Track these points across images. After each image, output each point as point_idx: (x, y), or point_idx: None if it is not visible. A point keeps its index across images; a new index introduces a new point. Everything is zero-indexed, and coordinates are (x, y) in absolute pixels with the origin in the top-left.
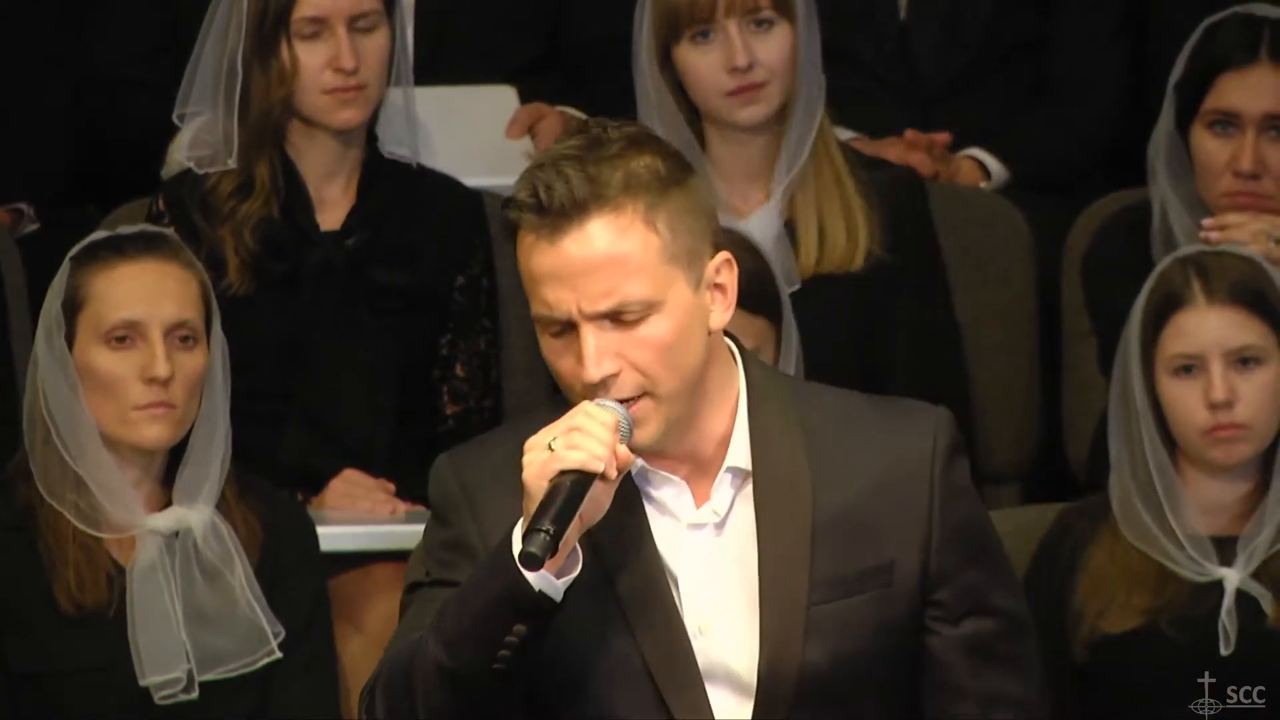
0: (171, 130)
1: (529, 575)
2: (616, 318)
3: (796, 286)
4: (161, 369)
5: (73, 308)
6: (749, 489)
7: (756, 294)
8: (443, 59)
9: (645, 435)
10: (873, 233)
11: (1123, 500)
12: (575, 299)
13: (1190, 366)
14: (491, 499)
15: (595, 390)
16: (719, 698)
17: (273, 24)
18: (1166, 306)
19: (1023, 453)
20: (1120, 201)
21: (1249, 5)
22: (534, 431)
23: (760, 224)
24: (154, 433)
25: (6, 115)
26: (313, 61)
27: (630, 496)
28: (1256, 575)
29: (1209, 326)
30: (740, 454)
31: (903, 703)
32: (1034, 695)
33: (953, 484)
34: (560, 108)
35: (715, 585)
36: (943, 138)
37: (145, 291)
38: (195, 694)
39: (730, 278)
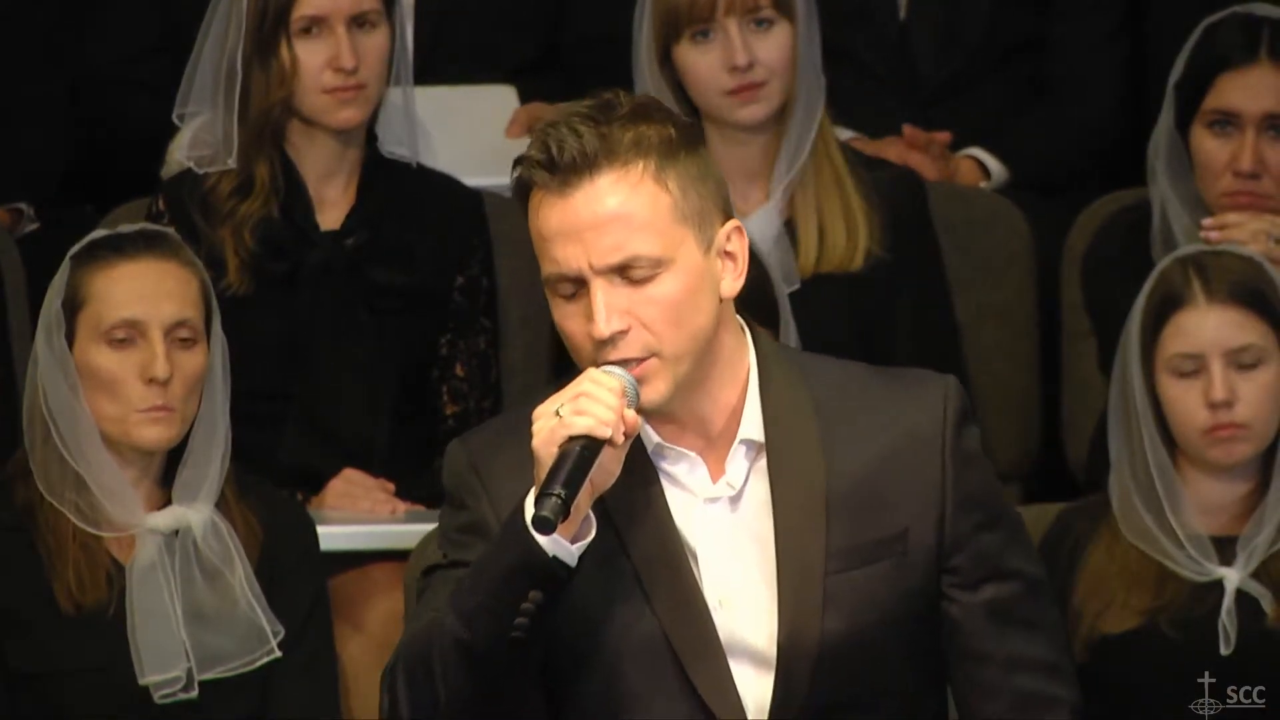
0: (171, 130)
1: (542, 540)
2: (626, 273)
3: (796, 286)
4: (161, 369)
5: (73, 307)
6: (763, 462)
7: (753, 301)
8: (442, 59)
9: (653, 395)
10: (872, 232)
11: (1122, 500)
12: (585, 254)
13: (1190, 366)
14: (505, 480)
15: (604, 348)
16: (740, 672)
17: (272, 23)
18: (1166, 306)
19: (1022, 453)
20: (1120, 201)
21: (1248, 5)
22: (529, 417)
23: (760, 224)
24: (154, 434)
25: (6, 115)
26: (312, 61)
27: (646, 473)
28: (1256, 575)
29: (1209, 326)
30: (753, 426)
31: (921, 671)
32: (1056, 655)
33: (964, 451)
34: (560, 107)
35: (733, 559)
36: (942, 137)
37: (145, 291)
38: (195, 693)
39: (741, 246)
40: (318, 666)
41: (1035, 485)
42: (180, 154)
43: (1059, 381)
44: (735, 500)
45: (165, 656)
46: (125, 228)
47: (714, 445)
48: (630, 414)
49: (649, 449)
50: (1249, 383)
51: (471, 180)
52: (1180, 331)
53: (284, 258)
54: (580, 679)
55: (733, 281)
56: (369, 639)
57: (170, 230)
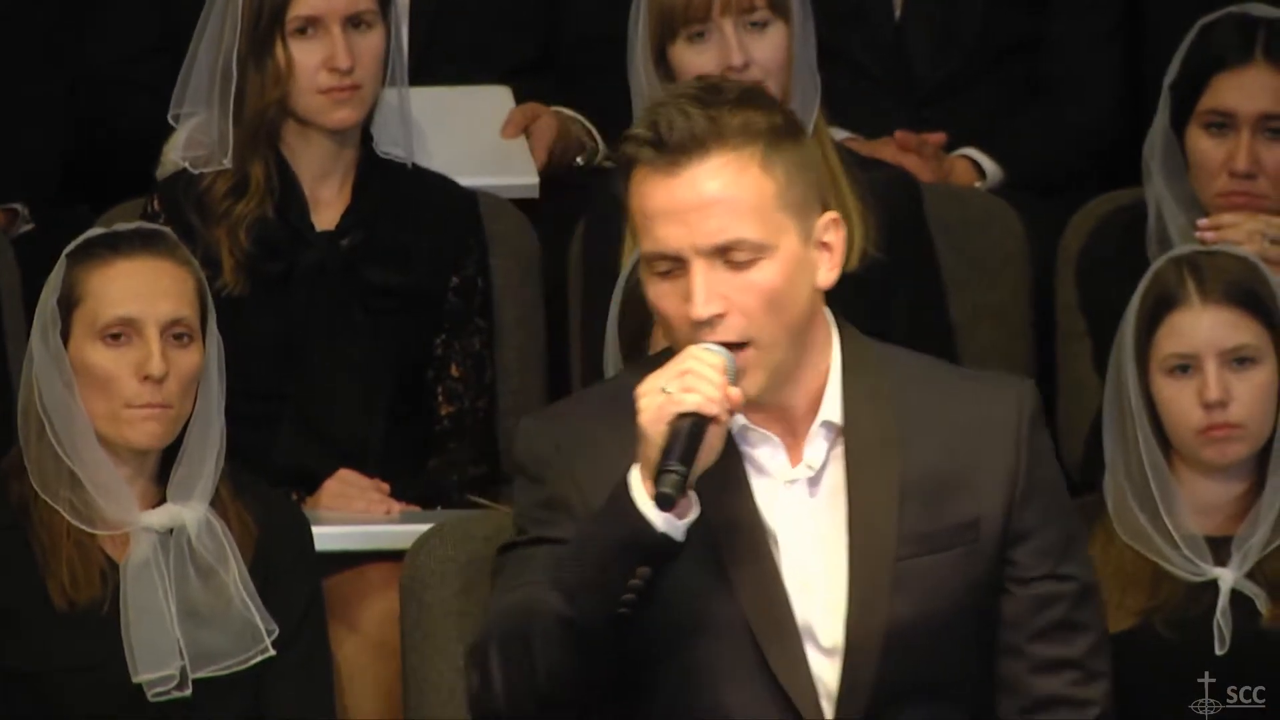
0: (167, 130)
1: (652, 516)
2: (727, 257)
3: None
4: (157, 367)
5: (68, 304)
6: (841, 445)
7: None
8: (438, 59)
9: (750, 386)
10: (868, 233)
11: (1117, 500)
12: (688, 235)
13: (1185, 366)
14: (585, 457)
15: (701, 329)
16: (814, 656)
17: (268, 24)
18: (1161, 306)
19: None
20: (1115, 201)
21: (1244, 5)
22: (617, 393)
23: None
24: (148, 432)
25: (2, 115)
26: (308, 61)
27: (729, 454)
28: (1251, 575)
29: (1203, 326)
30: (833, 409)
31: (980, 662)
32: (1094, 661)
33: (1037, 447)
34: (555, 108)
35: (811, 542)
36: (937, 138)
37: (141, 289)
38: (188, 691)
39: (838, 237)
40: (312, 666)
41: None
42: (175, 154)
43: (1054, 382)
44: (814, 483)
45: (159, 655)
46: (121, 226)
47: (794, 428)
48: (735, 391)
49: (732, 430)
50: (1243, 383)
51: (467, 181)
52: (1175, 331)
53: (279, 258)
54: (658, 656)
55: (828, 273)
56: (364, 639)
57: (166, 229)
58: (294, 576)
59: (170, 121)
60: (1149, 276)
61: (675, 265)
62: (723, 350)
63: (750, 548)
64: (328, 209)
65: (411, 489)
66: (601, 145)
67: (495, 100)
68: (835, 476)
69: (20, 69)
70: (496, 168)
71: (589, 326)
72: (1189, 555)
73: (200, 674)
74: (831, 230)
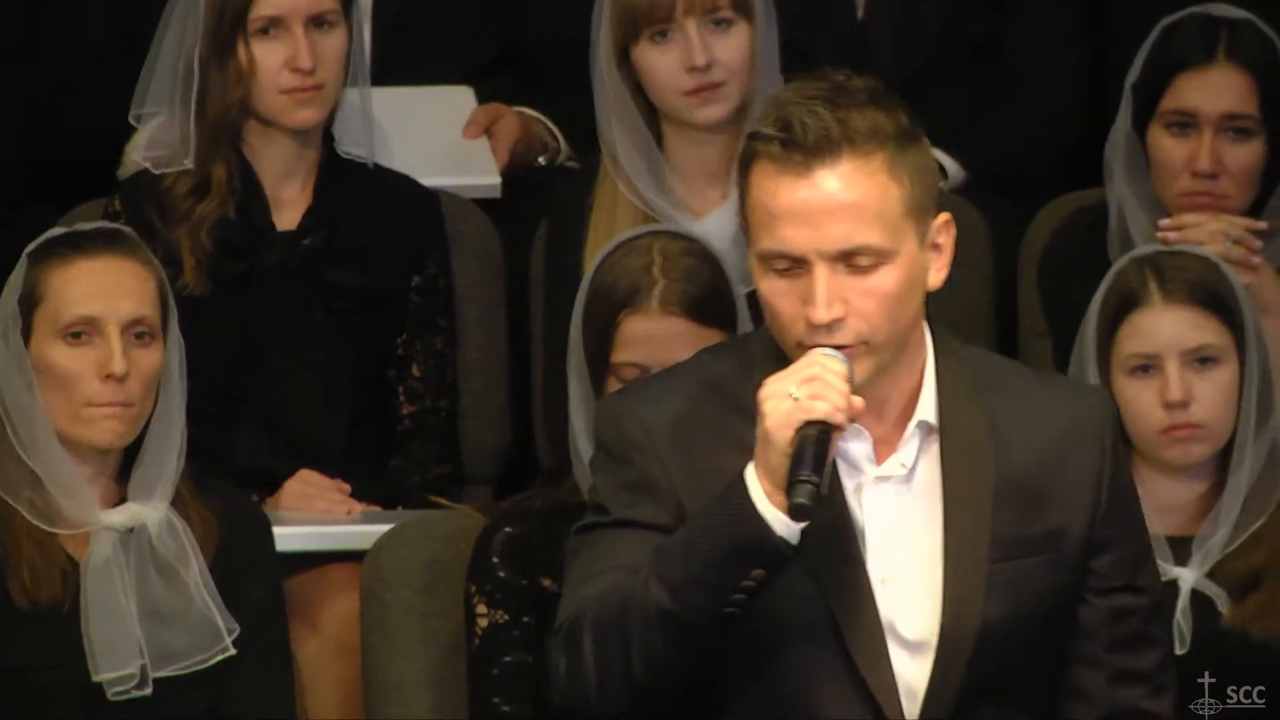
0: (129, 131)
1: (772, 521)
2: (851, 261)
3: (752, 287)
4: (118, 365)
5: (30, 304)
6: (934, 445)
7: (711, 305)
8: (400, 59)
9: (855, 378)
10: None
11: None
12: (814, 238)
13: (1146, 366)
14: (676, 443)
15: (818, 332)
16: (895, 652)
17: (230, 24)
18: (1123, 306)
19: None
20: (1077, 202)
21: (1206, 5)
22: (692, 380)
23: (717, 224)
24: (110, 431)
25: None
26: (270, 61)
27: None
28: (1211, 575)
29: (1165, 326)
30: (929, 409)
31: (1058, 669)
32: (1164, 676)
33: (1120, 459)
34: (518, 108)
35: (899, 538)
36: None
37: (103, 288)
38: (149, 690)
39: (949, 239)
40: (273, 665)
41: None
42: (137, 154)
43: None
44: (906, 480)
45: (120, 654)
46: (83, 226)
47: (885, 425)
48: (858, 401)
49: None
50: (1205, 383)
51: (429, 181)
52: (1136, 332)
53: (240, 257)
54: (739, 647)
55: (937, 273)
56: (325, 639)
57: (128, 229)
58: (255, 576)
59: (132, 122)
60: (1111, 276)
61: (795, 265)
62: (844, 359)
63: (838, 543)
64: (290, 209)
65: (373, 489)
66: (564, 145)
67: (457, 100)
68: (927, 475)
69: None
70: (459, 168)
71: (551, 327)
72: None
73: (161, 673)
74: (944, 231)
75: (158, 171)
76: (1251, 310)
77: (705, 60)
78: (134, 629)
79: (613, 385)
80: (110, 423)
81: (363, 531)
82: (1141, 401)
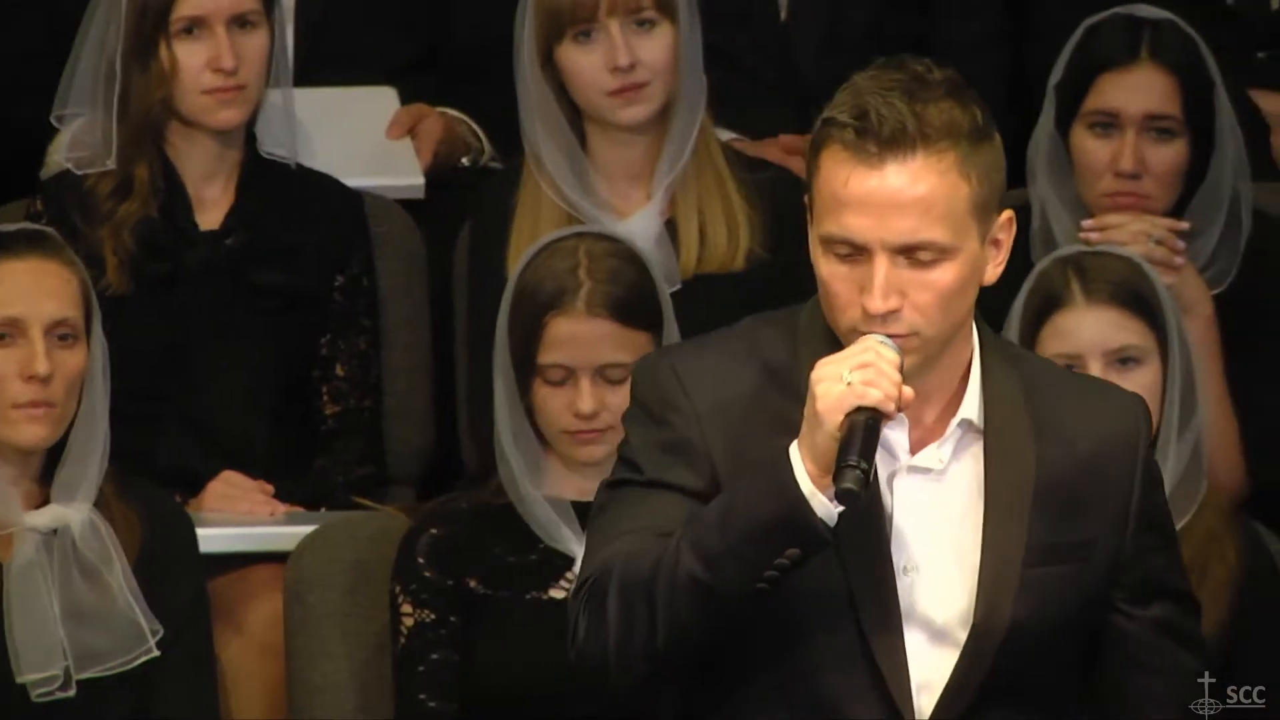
0: (51, 131)
1: (815, 501)
2: (912, 255)
3: (677, 286)
4: (41, 366)
5: None
6: (974, 443)
7: (637, 307)
8: (322, 60)
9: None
10: (754, 232)
11: None
12: (879, 229)
13: (1069, 367)
14: (717, 410)
15: (872, 320)
16: (912, 640)
17: (152, 24)
18: (1046, 307)
19: None
20: None
21: (1129, 6)
22: (737, 349)
23: (641, 224)
24: (32, 432)
25: None
26: (192, 62)
27: None
28: None
29: (1088, 327)
30: (973, 407)
31: (1076, 675)
32: (1203, 665)
33: (1153, 472)
34: (441, 109)
35: (928, 531)
36: None
37: (26, 289)
38: (72, 692)
39: (1008, 236)
40: (197, 666)
41: None
42: (60, 155)
43: None
44: (942, 475)
45: (43, 655)
46: (6, 227)
47: (927, 419)
48: (909, 391)
49: None
50: (1128, 383)
51: (352, 181)
52: (1059, 332)
53: (163, 258)
54: (759, 624)
55: (994, 269)
56: (249, 640)
57: (51, 230)
58: (178, 577)
59: (54, 122)
60: (1034, 277)
61: (856, 252)
62: (897, 348)
63: (865, 529)
64: (212, 209)
65: (296, 490)
66: (487, 146)
67: (380, 101)
68: (966, 472)
69: None
70: (382, 168)
71: (476, 328)
72: None
73: (84, 674)
74: (1005, 229)
75: (80, 172)
76: (1174, 311)
77: (629, 60)
78: (57, 631)
79: (539, 387)
80: (33, 424)
81: (286, 533)
82: None
